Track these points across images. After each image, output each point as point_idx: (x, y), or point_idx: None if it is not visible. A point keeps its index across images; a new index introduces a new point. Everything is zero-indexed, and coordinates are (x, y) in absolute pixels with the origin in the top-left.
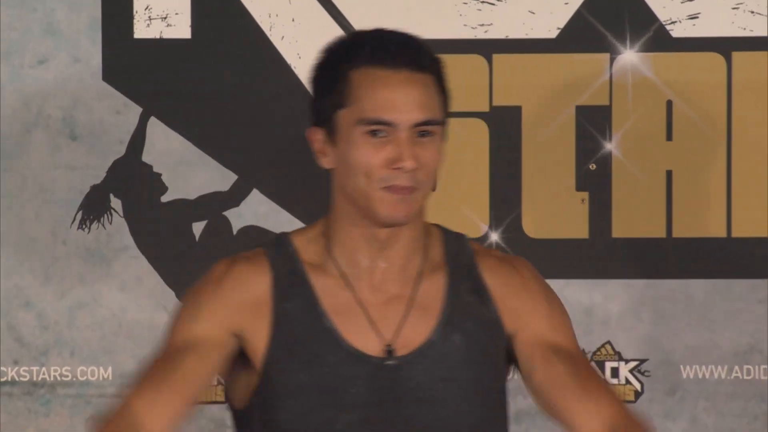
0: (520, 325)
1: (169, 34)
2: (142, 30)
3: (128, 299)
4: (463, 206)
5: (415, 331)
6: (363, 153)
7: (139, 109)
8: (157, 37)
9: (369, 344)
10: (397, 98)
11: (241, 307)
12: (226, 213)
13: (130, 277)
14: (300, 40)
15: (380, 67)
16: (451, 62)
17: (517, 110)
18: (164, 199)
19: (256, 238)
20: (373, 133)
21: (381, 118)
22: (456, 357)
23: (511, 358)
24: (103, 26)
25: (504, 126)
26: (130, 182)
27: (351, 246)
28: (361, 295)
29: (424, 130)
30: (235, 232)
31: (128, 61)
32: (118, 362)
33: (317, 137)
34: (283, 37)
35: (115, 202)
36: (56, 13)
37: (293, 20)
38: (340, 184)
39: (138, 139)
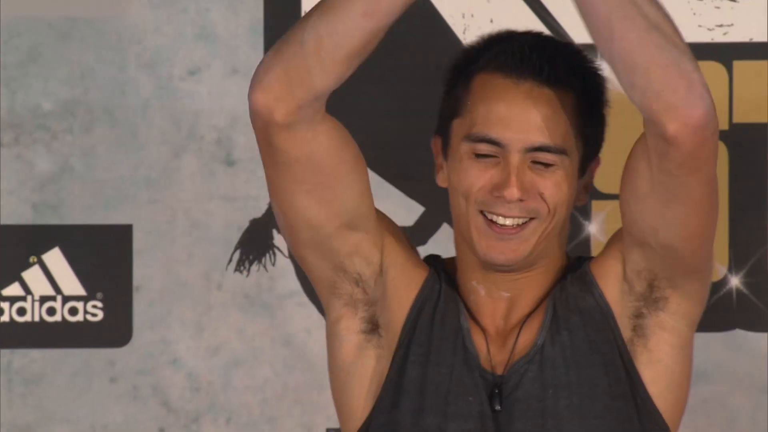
0: (617, 270)
1: None
2: None
3: (294, 356)
4: None
5: (524, 344)
6: (466, 174)
7: None
8: None
9: (485, 361)
10: (511, 114)
11: (404, 259)
12: None
13: (298, 329)
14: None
15: (502, 75)
16: None
17: (762, 128)
18: None
19: None
20: (481, 155)
21: (488, 135)
22: (565, 359)
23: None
24: (265, 29)
25: (746, 147)
26: None
27: (468, 272)
28: (482, 321)
29: (542, 159)
30: None
31: None
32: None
33: (437, 148)
34: (465, 29)
35: (279, 239)
36: (211, 14)
37: (491, 21)
38: (450, 206)
39: None
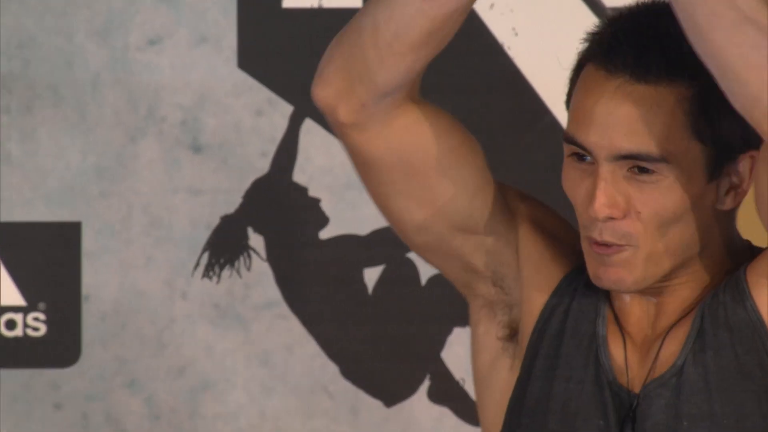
0: None
1: (332, 1)
2: None
3: (273, 377)
4: None
5: (664, 360)
6: (567, 179)
7: (289, 108)
8: (315, 6)
9: (621, 375)
10: (595, 114)
11: (541, 253)
12: (410, 255)
13: (276, 346)
14: (517, 9)
15: (602, 67)
16: None
17: None
18: (324, 235)
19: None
20: (578, 156)
21: (574, 136)
22: (707, 383)
23: None
24: None
25: None
26: (275, 212)
27: None
28: (628, 328)
29: (636, 165)
30: (423, 282)
31: (274, 41)
32: None
33: None
34: (492, 5)
35: (256, 240)
36: None
37: None
38: None
39: (288, 151)
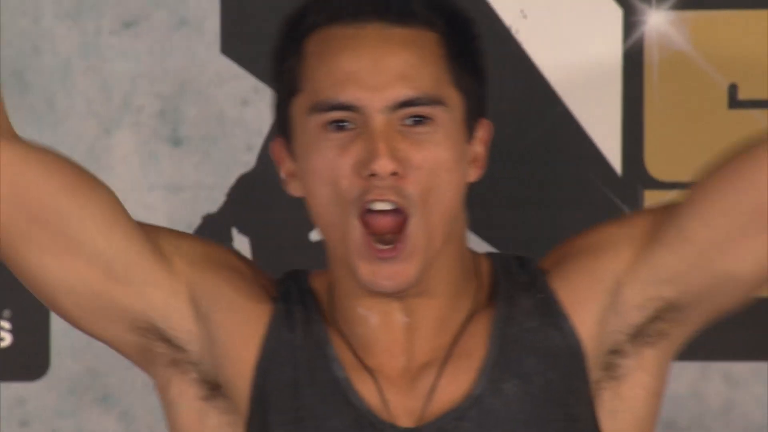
0: (607, 304)
1: None
2: None
3: None
4: None
5: (450, 390)
6: (323, 158)
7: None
8: None
9: (382, 412)
10: (360, 67)
11: (231, 296)
12: None
13: None
14: None
15: (339, 25)
16: (722, 21)
17: None
18: (314, 236)
19: None
20: (335, 125)
21: (337, 98)
22: (511, 414)
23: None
24: None
25: None
26: (262, 211)
27: (350, 297)
28: (374, 361)
29: (414, 113)
30: None
31: (261, 25)
32: None
33: (281, 153)
34: None
35: (240, 241)
36: None
37: None
38: (314, 217)
39: None
